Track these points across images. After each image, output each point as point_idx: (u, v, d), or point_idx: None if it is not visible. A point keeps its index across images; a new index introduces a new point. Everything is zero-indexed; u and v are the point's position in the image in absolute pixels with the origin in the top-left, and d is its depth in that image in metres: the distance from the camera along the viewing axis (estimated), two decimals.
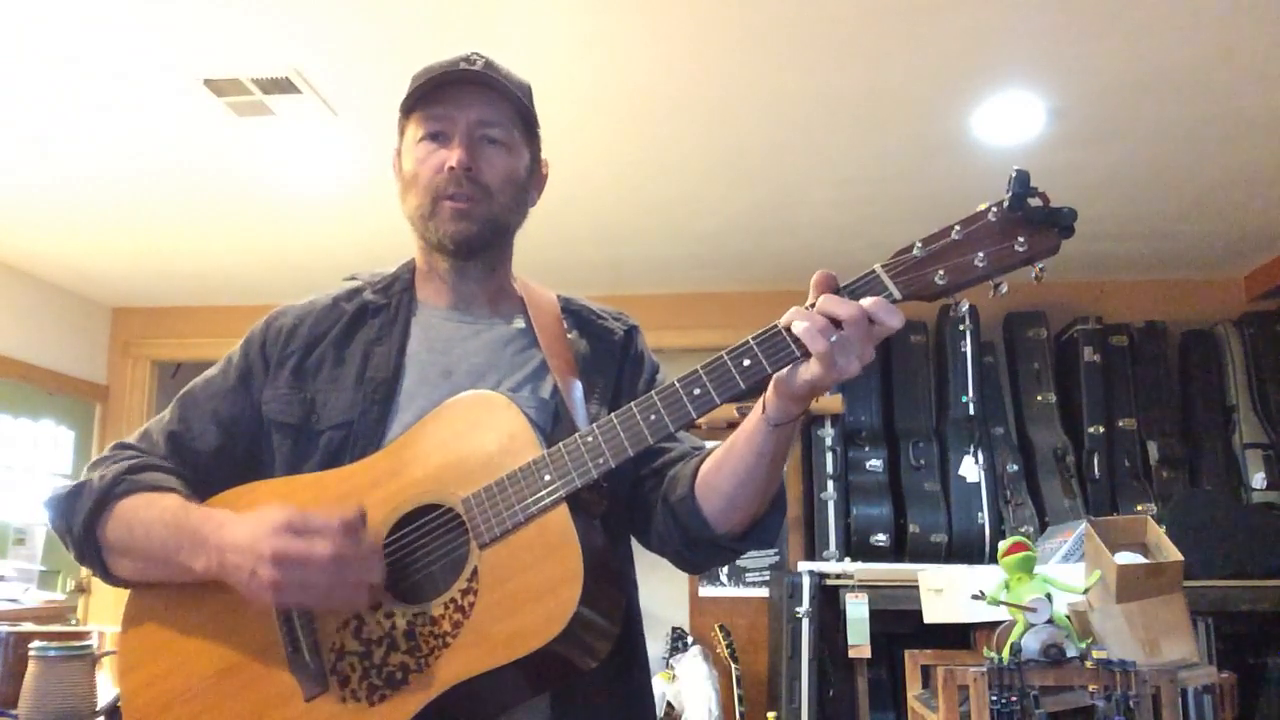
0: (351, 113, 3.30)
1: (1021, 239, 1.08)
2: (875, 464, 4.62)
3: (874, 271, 1.11)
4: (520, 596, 1.13)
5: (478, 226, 1.37)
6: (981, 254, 1.08)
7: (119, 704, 1.31)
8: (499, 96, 1.39)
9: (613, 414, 1.18)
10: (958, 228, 1.09)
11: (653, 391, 1.17)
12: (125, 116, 3.33)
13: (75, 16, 2.75)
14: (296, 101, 3.21)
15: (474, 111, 1.37)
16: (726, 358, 1.14)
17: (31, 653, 2.11)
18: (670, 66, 3.04)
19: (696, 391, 1.14)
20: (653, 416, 1.16)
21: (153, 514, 1.27)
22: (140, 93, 3.17)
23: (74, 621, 4.43)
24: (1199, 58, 2.95)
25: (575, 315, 1.49)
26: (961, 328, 4.65)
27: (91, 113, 3.30)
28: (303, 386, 1.37)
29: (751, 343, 1.13)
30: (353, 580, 1.15)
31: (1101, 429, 4.60)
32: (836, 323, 1.07)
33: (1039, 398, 4.71)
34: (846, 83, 3.12)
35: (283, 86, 3.12)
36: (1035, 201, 1.08)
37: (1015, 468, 4.55)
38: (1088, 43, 2.89)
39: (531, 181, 1.45)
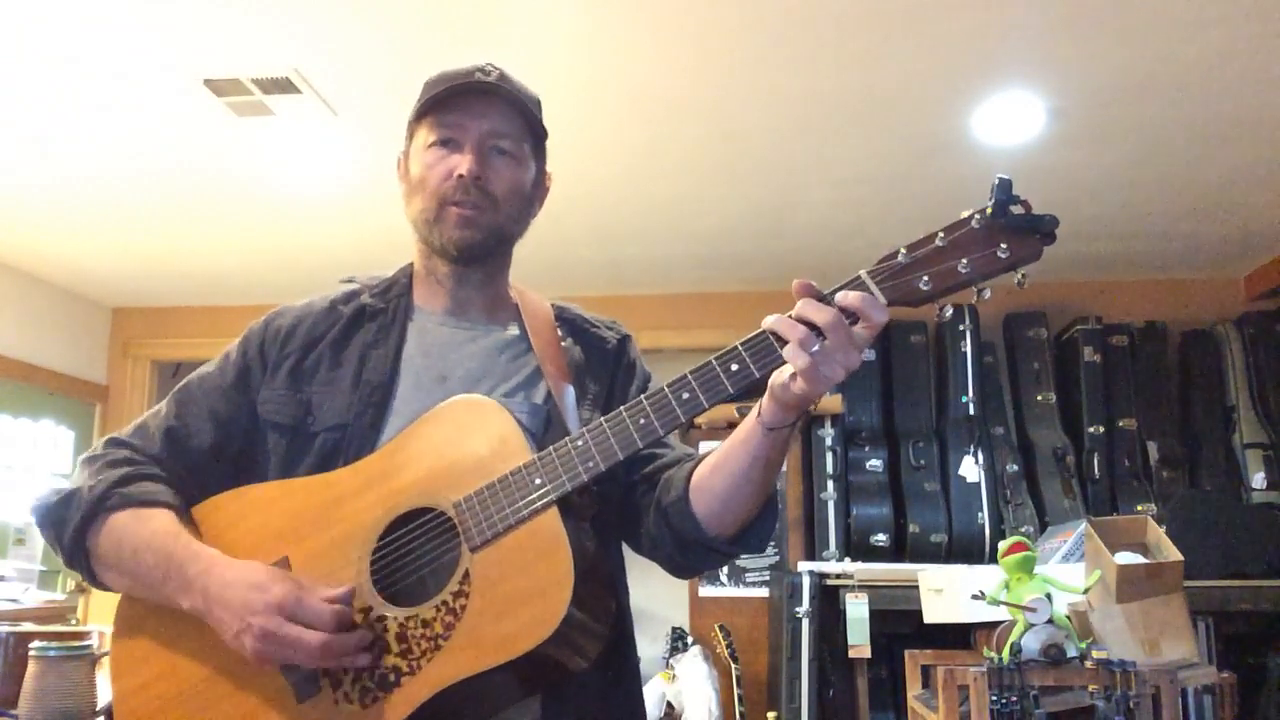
0: (351, 113, 3.30)
1: (1004, 245, 1.08)
2: (875, 464, 4.62)
3: (859, 277, 1.12)
4: (511, 599, 1.14)
5: (482, 235, 1.38)
6: (965, 260, 1.09)
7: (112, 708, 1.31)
8: (511, 108, 1.40)
9: (603, 418, 1.19)
10: (942, 234, 1.10)
11: (642, 396, 1.18)
12: (125, 116, 3.33)
13: (75, 16, 2.75)
14: (296, 101, 3.21)
15: (486, 122, 1.38)
16: (715, 362, 1.15)
17: (31, 653, 2.11)
18: (670, 66, 3.04)
19: (685, 396, 1.15)
20: (642, 420, 1.17)
21: (143, 536, 1.27)
22: (140, 93, 3.17)
23: (74, 621, 4.44)
24: (1199, 58, 2.94)
25: (569, 323, 1.50)
26: (961, 328, 4.65)
27: (91, 113, 3.31)
28: (299, 388, 1.38)
29: (739, 347, 1.14)
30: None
31: (1101, 429, 4.60)
32: (816, 329, 1.08)
33: (1039, 398, 4.71)
34: (846, 83, 3.12)
35: (283, 86, 3.12)
36: (1017, 209, 1.09)
37: (1015, 468, 4.54)
38: (1088, 43, 2.89)
39: (536, 194, 1.46)
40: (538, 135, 1.44)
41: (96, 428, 5.51)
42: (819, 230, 4.38)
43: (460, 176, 1.35)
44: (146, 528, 1.28)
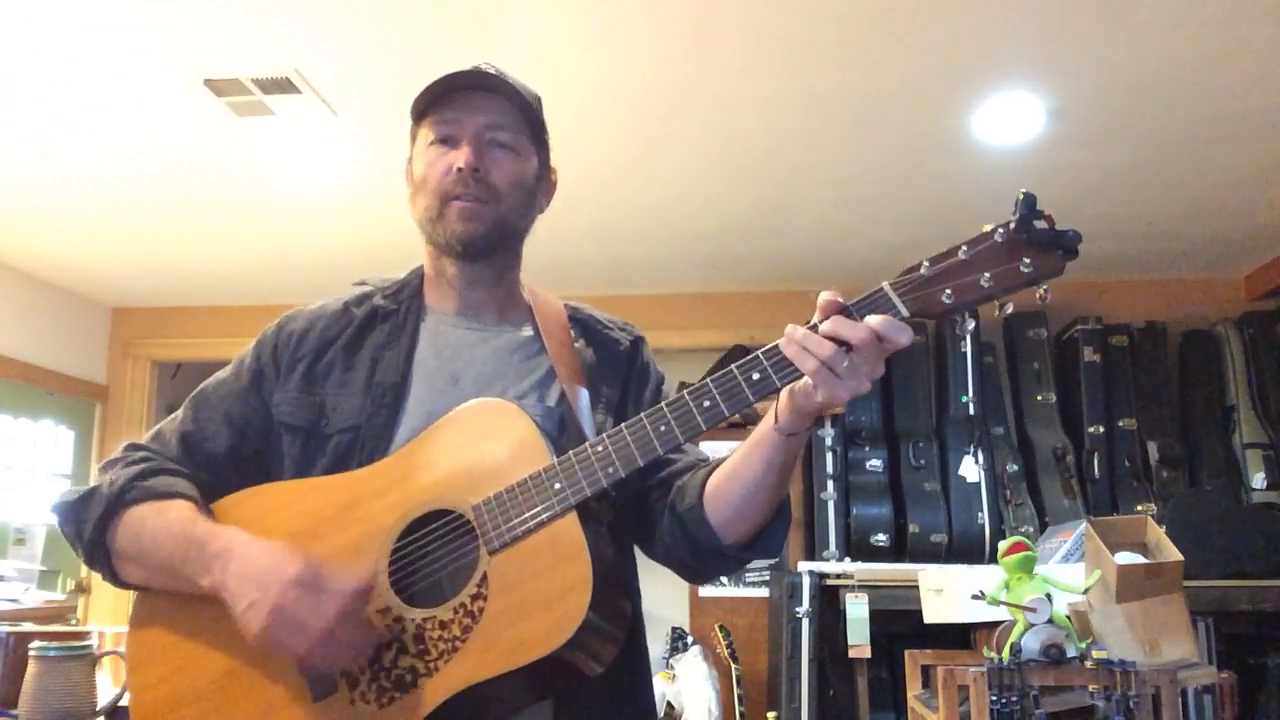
0: (351, 113, 3.30)
1: (1027, 260, 1.09)
2: (875, 464, 4.62)
3: (882, 289, 1.12)
4: (529, 603, 1.14)
5: (485, 228, 1.37)
6: (988, 274, 1.10)
7: (124, 703, 1.31)
8: (507, 102, 1.40)
9: (623, 424, 1.19)
10: (965, 248, 1.11)
11: (663, 403, 1.18)
12: (125, 116, 3.33)
13: (75, 16, 2.74)
14: (296, 101, 3.21)
15: (482, 116, 1.38)
16: (736, 371, 1.15)
17: (31, 653, 2.11)
18: (670, 66, 3.04)
19: (706, 404, 1.16)
20: (662, 427, 1.17)
21: (161, 524, 1.28)
22: (140, 93, 3.17)
23: (74, 621, 4.43)
24: (1199, 58, 2.95)
25: (582, 324, 1.50)
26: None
27: (91, 113, 3.30)
28: (313, 390, 1.38)
29: (761, 357, 1.14)
30: (335, 658, 1.17)
31: (1101, 429, 4.60)
32: (846, 345, 1.08)
33: (1039, 398, 4.71)
34: (846, 83, 3.12)
35: (283, 86, 3.12)
36: (1041, 224, 1.09)
37: (1015, 468, 4.55)
38: (1088, 43, 2.89)
39: (540, 188, 1.46)
40: (536, 128, 1.44)
41: (96, 428, 5.51)
42: (819, 230, 4.38)
43: (459, 170, 1.35)
44: (166, 516, 1.28)
